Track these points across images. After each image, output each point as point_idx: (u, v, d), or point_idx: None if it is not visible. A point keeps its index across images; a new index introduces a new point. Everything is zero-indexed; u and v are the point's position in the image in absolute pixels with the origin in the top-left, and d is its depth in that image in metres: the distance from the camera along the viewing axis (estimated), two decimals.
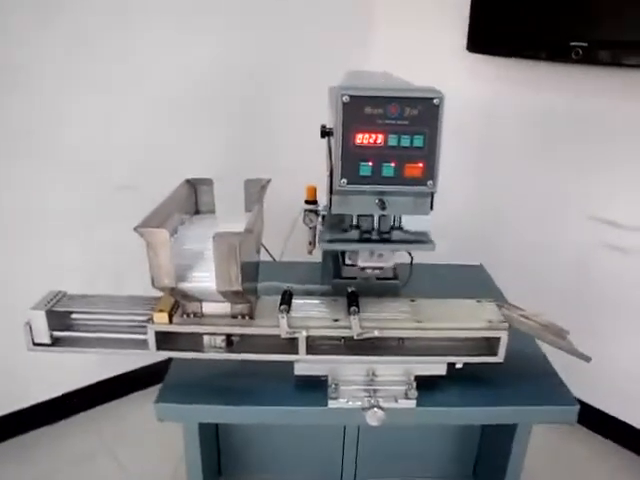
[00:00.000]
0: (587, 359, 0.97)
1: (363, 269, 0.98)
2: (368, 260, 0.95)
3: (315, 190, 1.08)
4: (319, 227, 1.16)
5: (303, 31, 1.94)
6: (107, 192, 1.69)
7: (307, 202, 1.09)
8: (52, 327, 0.89)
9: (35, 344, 0.89)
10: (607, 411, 1.87)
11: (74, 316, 0.93)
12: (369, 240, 0.93)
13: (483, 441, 1.26)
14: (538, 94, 1.75)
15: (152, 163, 1.72)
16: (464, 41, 1.77)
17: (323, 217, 1.20)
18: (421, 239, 0.93)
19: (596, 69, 1.54)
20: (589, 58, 1.46)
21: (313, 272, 1.23)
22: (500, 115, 1.87)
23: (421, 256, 1.37)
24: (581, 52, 1.45)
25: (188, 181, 0.99)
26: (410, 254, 1.36)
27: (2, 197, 1.55)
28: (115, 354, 0.91)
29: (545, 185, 1.84)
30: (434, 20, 1.93)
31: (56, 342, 0.91)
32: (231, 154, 1.88)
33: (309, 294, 1.04)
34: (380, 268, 0.97)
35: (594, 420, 1.88)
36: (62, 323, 0.91)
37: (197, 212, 1.03)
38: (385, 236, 0.93)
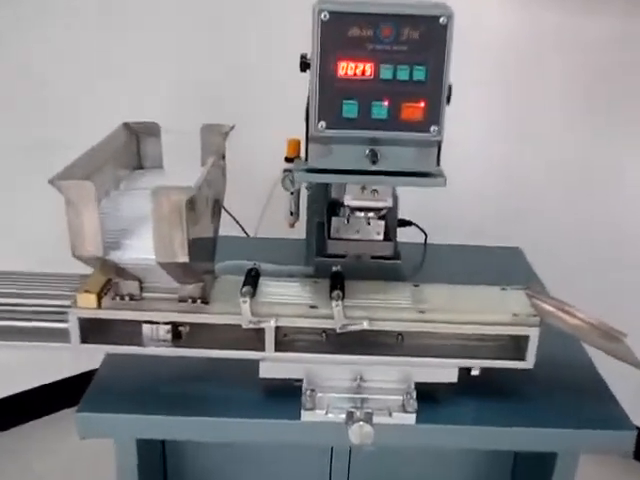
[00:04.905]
0: None
1: (353, 210, 0.81)
2: (359, 197, 0.78)
3: (299, 144, 0.91)
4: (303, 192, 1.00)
5: None
6: None
7: (287, 160, 0.94)
8: None
9: None
10: None
11: None
12: (360, 172, 0.74)
13: (516, 472, 1.06)
14: (593, 19, 1.44)
15: None
16: None
17: None
18: (428, 170, 0.74)
19: None
20: None
21: (296, 250, 1.08)
22: (544, 51, 1.54)
23: (441, 236, 1.17)
24: None
25: (127, 125, 0.79)
26: (424, 231, 1.20)
27: None
28: (25, 348, 0.75)
29: (600, 151, 1.54)
30: None
31: None
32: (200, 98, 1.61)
33: (287, 276, 0.89)
34: (375, 209, 0.81)
35: None
36: None
37: (140, 167, 0.86)
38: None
